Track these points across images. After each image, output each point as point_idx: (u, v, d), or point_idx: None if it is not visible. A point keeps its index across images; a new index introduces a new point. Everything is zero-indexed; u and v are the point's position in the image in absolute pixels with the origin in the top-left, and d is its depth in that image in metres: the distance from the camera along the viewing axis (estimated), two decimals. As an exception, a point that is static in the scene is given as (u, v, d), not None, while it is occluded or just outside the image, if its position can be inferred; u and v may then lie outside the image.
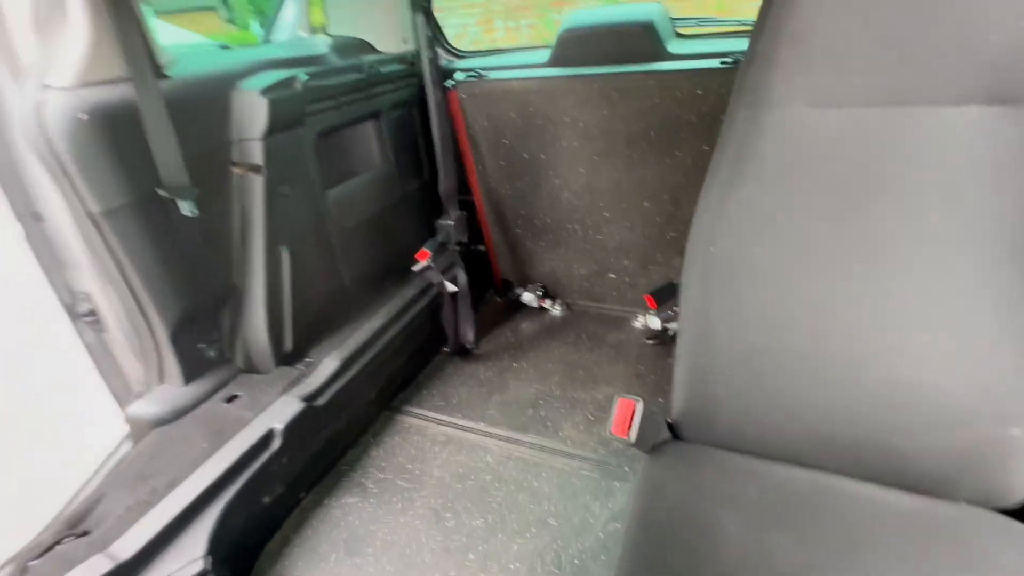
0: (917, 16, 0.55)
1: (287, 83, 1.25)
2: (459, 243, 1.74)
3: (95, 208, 0.99)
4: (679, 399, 0.74)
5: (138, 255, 1.06)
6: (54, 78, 0.95)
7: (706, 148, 1.43)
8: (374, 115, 1.58)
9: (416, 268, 1.57)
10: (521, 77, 1.55)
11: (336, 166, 1.47)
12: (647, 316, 1.78)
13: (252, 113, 1.19)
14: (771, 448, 0.70)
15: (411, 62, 1.70)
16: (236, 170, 1.23)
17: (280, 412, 1.17)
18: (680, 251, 0.83)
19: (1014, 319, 0.56)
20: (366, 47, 1.64)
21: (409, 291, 1.63)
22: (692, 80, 1.35)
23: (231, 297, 1.28)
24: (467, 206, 1.82)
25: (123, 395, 1.32)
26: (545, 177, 1.70)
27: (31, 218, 1.13)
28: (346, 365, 1.34)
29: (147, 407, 1.16)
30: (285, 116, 1.24)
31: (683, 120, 1.42)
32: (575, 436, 1.36)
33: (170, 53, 1.14)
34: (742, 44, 1.31)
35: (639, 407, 0.69)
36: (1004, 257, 0.56)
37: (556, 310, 1.95)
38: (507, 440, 1.36)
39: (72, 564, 0.86)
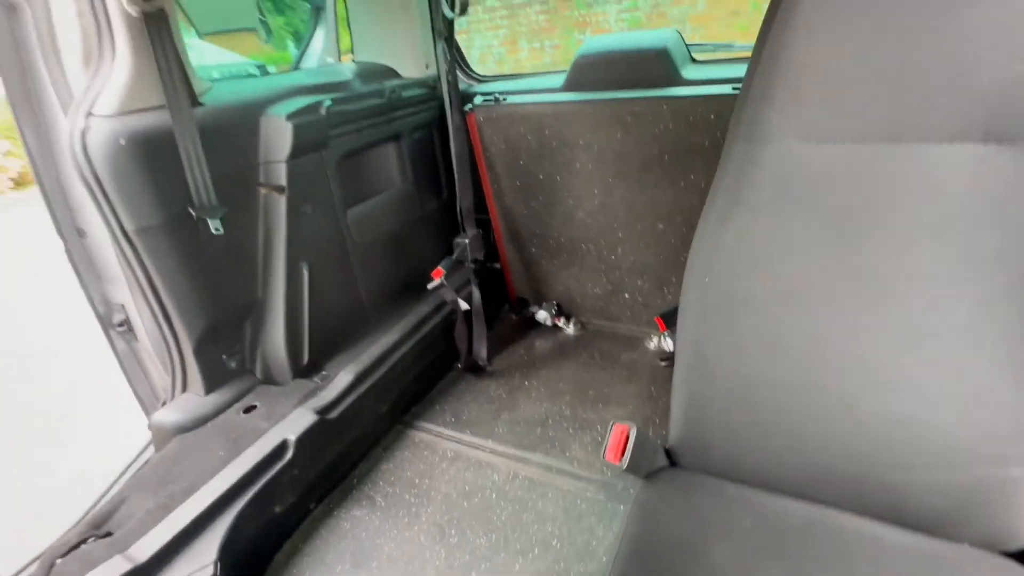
0: (910, 55, 0.56)
1: (312, 109, 1.31)
2: (475, 261, 1.77)
3: (130, 226, 1.06)
4: (676, 426, 0.74)
5: (168, 270, 1.13)
6: (98, 106, 1.03)
7: None
8: (395, 137, 1.64)
9: (431, 286, 1.61)
10: (537, 101, 1.59)
11: (358, 185, 1.53)
12: (661, 337, 1.78)
13: (278, 137, 1.26)
14: (767, 479, 0.70)
15: (432, 86, 1.76)
16: (262, 190, 1.30)
17: (294, 424, 1.21)
18: None
19: (1012, 358, 0.55)
20: (389, 72, 1.71)
21: (424, 308, 1.67)
22: (705, 105, 1.37)
23: (253, 310, 1.34)
24: (484, 224, 1.85)
25: (151, 401, 1.39)
26: (560, 198, 1.72)
27: (76, 234, 1.22)
28: (359, 379, 1.38)
29: (170, 415, 1.22)
30: (309, 139, 1.30)
31: (696, 144, 1.43)
32: (583, 457, 1.36)
33: (206, 82, 1.22)
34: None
35: (633, 433, 0.70)
36: (1000, 296, 0.55)
37: (570, 329, 1.95)
38: (514, 459, 1.37)
39: (94, 564, 0.91)
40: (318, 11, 1.75)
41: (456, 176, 1.66)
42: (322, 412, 1.26)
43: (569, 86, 1.61)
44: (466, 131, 1.69)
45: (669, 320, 1.49)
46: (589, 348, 1.84)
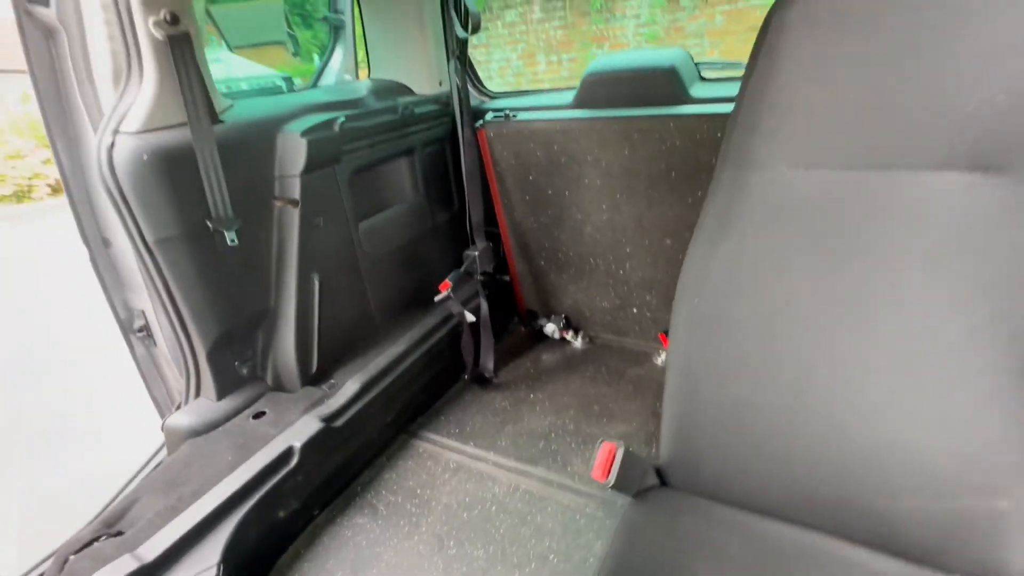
0: (894, 84, 0.57)
1: (326, 125, 1.36)
2: (484, 273, 1.80)
3: (150, 236, 1.11)
4: (666, 446, 0.75)
5: (185, 279, 1.17)
6: (125, 124, 1.09)
7: None
8: (408, 152, 1.69)
9: (438, 298, 1.64)
10: (546, 118, 1.62)
11: (370, 198, 1.57)
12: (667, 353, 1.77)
13: (293, 152, 1.31)
14: (756, 501, 0.70)
15: (445, 103, 1.80)
16: (277, 203, 1.35)
17: (300, 431, 1.24)
18: None
19: (999, 387, 0.55)
20: (403, 89, 1.76)
21: (432, 319, 1.69)
22: (712, 123, 1.37)
23: (265, 319, 1.38)
24: (494, 238, 1.88)
25: (167, 405, 1.44)
26: (568, 212, 1.74)
27: (102, 243, 1.29)
28: (366, 388, 1.41)
29: (183, 419, 1.26)
30: (322, 155, 1.35)
31: (703, 162, 1.43)
32: (584, 472, 1.36)
33: (227, 101, 1.28)
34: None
35: (619, 452, 0.70)
36: (986, 325, 0.55)
37: (578, 342, 1.96)
38: (515, 471, 1.38)
39: (104, 561, 0.94)
40: (337, 30, 1.82)
41: (467, 190, 1.70)
42: (328, 420, 1.29)
43: (578, 103, 1.63)
44: (477, 146, 1.72)
45: None
46: (596, 362, 1.84)
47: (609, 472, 0.69)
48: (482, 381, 1.77)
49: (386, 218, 1.62)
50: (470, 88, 1.93)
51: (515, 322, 2.12)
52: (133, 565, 0.93)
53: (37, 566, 1.12)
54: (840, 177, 0.61)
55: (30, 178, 7.99)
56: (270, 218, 1.35)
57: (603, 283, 1.83)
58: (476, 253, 1.75)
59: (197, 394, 1.33)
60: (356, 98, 1.57)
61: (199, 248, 1.18)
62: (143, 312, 1.34)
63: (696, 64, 1.64)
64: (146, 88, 1.09)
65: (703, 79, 1.64)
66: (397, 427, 1.55)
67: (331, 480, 1.33)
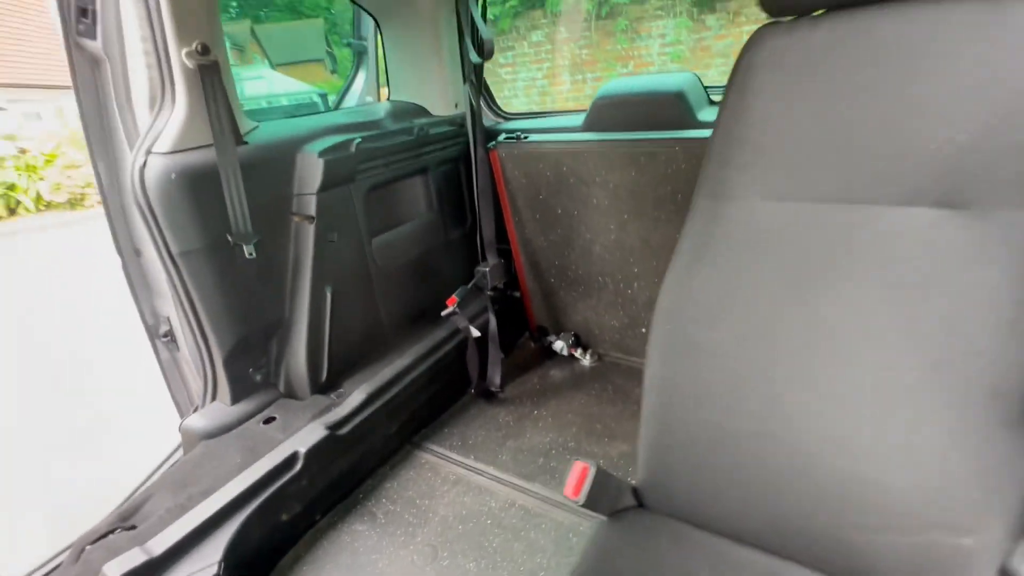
0: (860, 123, 0.58)
1: (343, 146, 1.43)
2: (495, 288, 1.84)
3: (175, 248, 1.19)
4: (642, 467, 0.76)
5: (205, 289, 1.25)
6: (157, 145, 1.18)
7: None
8: (422, 170, 1.75)
9: (444, 313, 1.68)
10: (555, 140, 1.66)
11: (384, 215, 1.64)
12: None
13: (311, 171, 1.38)
14: (728, 527, 0.70)
15: (460, 124, 1.87)
16: (295, 219, 1.42)
17: (306, 437, 1.29)
18: None
19: (962, 424, 0.54)
20: (420, 111, 1.83)
21: (440, 332, 1.74)
22: None
23: (279, 328, 1.45)
24: (506, 254, 1.92)
25: (187, 407, 1.52)
26: (577, 231, 1.77)
27: (134, 253, 1.38)
28: (371, 398, 1.46)
29: (198, 421, 1.34)
30: (338, 174, 1.42)
31: None
32: (581, 491, 1.36)
33: (251, 123, 1.37)
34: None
35: (592, 471, 0.72)
36: (949, 360, 0.55)
37: (586, 360, 1.97)
38: (513, 487, 1.40)
39: (116, 553, 1.01)
40: (360, 55, 1.91)
41: (479, 208, 1.75)
42: (333, 428, 1.34)
43: (588, 126, 1.67)
44: (489, 166, 1.78)
45: None
46: (603, 380, 1.85)
47: (580, 490, 0.71)
48: (488, 395, 1.80)
49: (399, 234, 1.69)
50: (486, 109, 2.00)
51: (525, 337, 2.15)
52: (142, 558, 0.99)
53: (57, 555, 1.20)
54: (811, 210, 0.63)
55: (83, 187, 8.53)
56: (287, 233, 1.42)
57: (612, 302, 1.84)
58: (487, 269, 1.80)
59: (213, 398, 1.40)
60: (374, 120, 1.65)
61: (220, 260, 1.26)
62: (168, 318, 1.42)
63: (706, 88, 1.66)
64: (177, 112, 1.18)
65: (712, 103, 1.66)
66: (401, 437, 1.59)
67: (334, 486, 1.37)
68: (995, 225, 0.53)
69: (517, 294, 2.06)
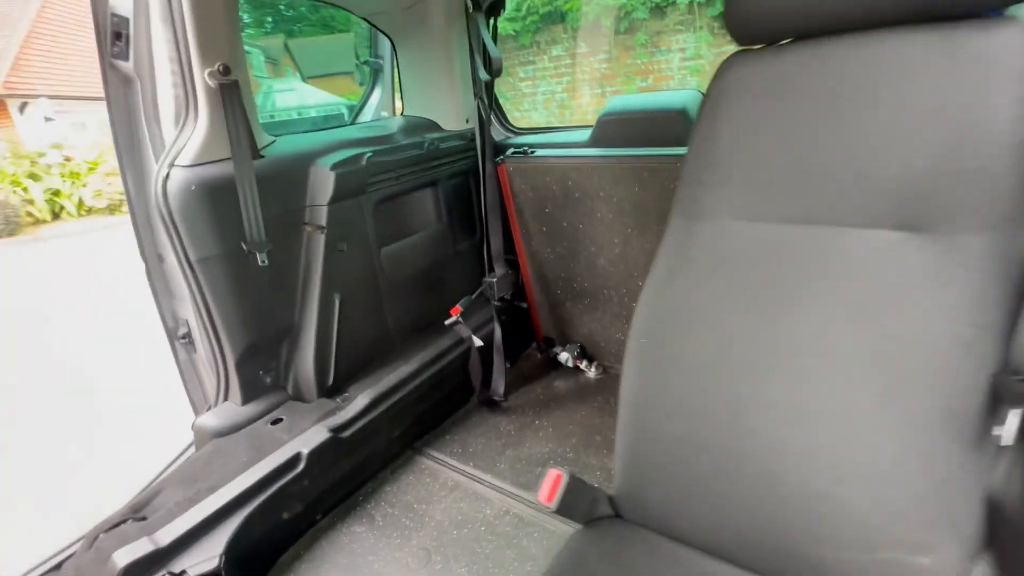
0: (821, 149, 0.60)
1: (354, 160, 1.50)
2: (502, 299, 1.87)
3: (193, 256, 1.27)
4: (618, 477, 0.78)
5: (220, 294, 1.32)
6: (180, 158, 1.26)
7: None
8: (432, 183, 1.81)
9: (448, 322, 1.72)
10: (562, 155, 1.70)
11: (393, 226, 1.69)
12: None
13: (323, 184, 1.45)
14: (700, 540, 0.71)
15: (471, 138, 1.92)
16: (307, 228, 1.49)
17: (310, 439, 1.34)
18: None
19: (919, 443, 0.55)
20: (432, 126, 1.89)
21: (445, 341, 1.78)
22: None
23: (290, 333, 1.51)
24: (513, 265, 1.96)
25: (201, 406, 1.59)
26: (583, 244, 1.80)
27: (157, 259, 1.47)
28: (375, 403, 1.50)
29: (210, 420, 1.40)
30: (348, 186, 1.48)
31: None
32: (576, 502, 1.38)
33: (269, 137, 1.44)
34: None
35: (564, 478, 0.74)
36: (907, 380, 0.56)
37: (591, 372, 1.98)
38: (509, 495, 1.42)
39: (127, 541, 1.07)
40: (376, 73, 1.99)
41: (487, 220, 1.79)
42: (336, 430, 1.38)
43: (593, 142, 1.70)
44: (498, 180, 1.82)
45: None
46: (606, 392, 1.86)
47: (553, 497, 0.73)
48: (491, 404, 1.82)
49: (408, 244, 1.74)
50: (496, 123, 2.05)
51: (532, 348, 2.17)
52: (149, 548, 1.05)
53: (73, 543, 1.27)
54: (777, 231, 0.64)
55: (122, 194, 8.93)
56: (299, 242, 1.49)
57: (616, 314, 1.86)
58: (494, 280, 1.83)
59: (225, 398, 1.46)
60: (387, 134, 1.72)
61: (234, 267, 1.33)
62: (187, 321, 1.50)
63: None
64: (199, 128, 1.26)
65: None
66: (403, 442, 1.63)
67: (335, 487, 1.42)
68: (953, 248, 0.54)
69: (524, 305, 2.09)
